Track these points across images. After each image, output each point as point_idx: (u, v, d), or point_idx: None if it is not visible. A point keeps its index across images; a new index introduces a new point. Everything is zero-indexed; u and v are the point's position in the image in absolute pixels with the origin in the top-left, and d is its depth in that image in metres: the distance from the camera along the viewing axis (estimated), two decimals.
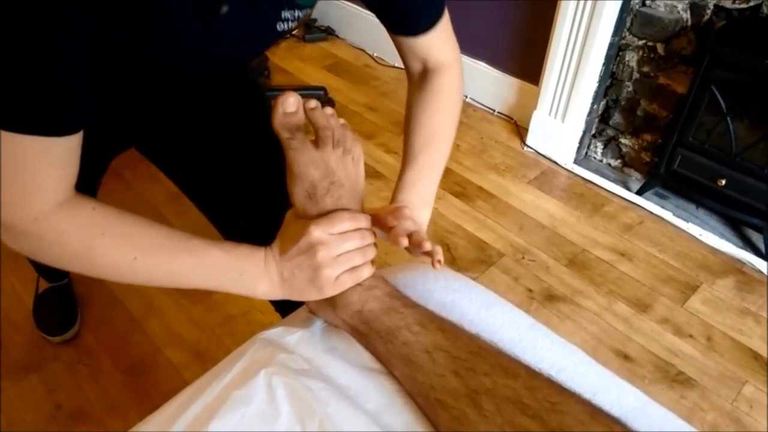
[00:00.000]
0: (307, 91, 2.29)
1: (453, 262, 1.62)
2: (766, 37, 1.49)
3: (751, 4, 1.51)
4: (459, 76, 0.83)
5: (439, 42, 0.79)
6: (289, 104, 0.62)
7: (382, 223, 0.67)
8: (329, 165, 0.63)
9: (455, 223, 1.75)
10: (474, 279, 0.73)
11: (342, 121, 0.66)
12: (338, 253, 0.61)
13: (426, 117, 0.79)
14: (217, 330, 1.40)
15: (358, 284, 0.63)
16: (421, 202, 0.74)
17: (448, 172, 1.94)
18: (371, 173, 1.92)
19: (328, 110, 0.65)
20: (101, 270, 0.60)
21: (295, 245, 0.61)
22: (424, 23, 0.77)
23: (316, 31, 2.69)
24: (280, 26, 0.69)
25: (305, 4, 0.67)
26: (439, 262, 0.61)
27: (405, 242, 0.63)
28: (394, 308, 0.61)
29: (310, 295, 0.63)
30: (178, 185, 0.96)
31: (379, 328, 0.60)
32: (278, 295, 0.64)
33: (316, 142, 0.64)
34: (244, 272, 0.62)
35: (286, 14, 0.67)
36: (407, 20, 0.77)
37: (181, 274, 0.61)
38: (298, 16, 0.69)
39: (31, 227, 0.56)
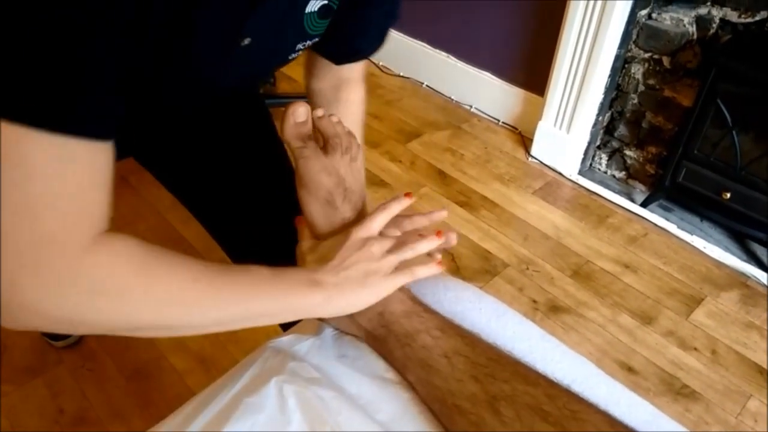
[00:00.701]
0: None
1: (457, 271, 1.62)
2: None
3: (757, 18, 1.52)
4: (364, 89, 0.88)
5: (360, 62, 0.84)
6: (300, 114, 0.63)
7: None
8: (339, 172, 0.64)
9: (459, 232, 1.75)
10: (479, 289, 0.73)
11: (347, 128, 0.68)
12: (388, 248, 0.60)
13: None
14: (221, 337, 1.40)
15: None
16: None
17: (452, 181, 1.95)
18: (376, 181, 1.92)
19: (335, 118, 0.67)
20: (161, 303, 0.50)
21: (339, 250, 0.59)
22: (368, 52, 0.82)
23: None
24: (292, 56, 0.71)
25: (315, 33, 0.68)
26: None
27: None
28: (415, 312, 0.61)
29: (363, 299, 0.59)
30: (177, 197, 0.95)
31: (397, 331, 0.60)
32: (335, 305, 0.58)
33: (325, 150, 0.65)
34: (296, 283, 0.57)
35: (299, 45, 0.69)
36: (356, 51, 0.82)
37: (244, 295, 0.55)
38: (308, 45, 0.70)
39: (84, 262, 0.46)
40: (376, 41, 0.81)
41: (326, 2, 0.64)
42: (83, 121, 0.44)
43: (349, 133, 0.67)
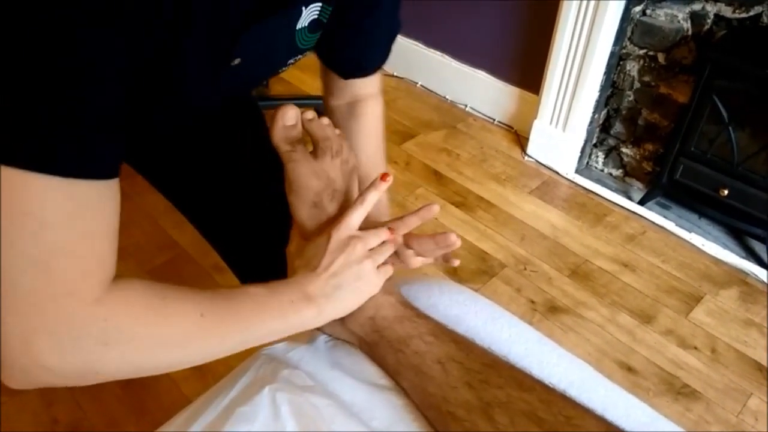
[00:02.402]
0: (306, 101, 2.28)
1: (454, 273, 1.61)
2: (766, 46, 1.49)
3: (752, 13, 1.51)
4: (382, 103, 0.86)
5: (374, 77, 0.82)
6: (290, 117, 0.63)
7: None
8: (330, 175, 0.64)
9: (456, 233, 1.74)
10: (476, 290, 0.72)
11: (338, 131, 0.67)
12: (372, 246, 0.61)
13: (362, 142, 0.81)
14: None
15: None
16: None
17: (448, 182, 1.94)
18: None
19: (325, 120, 0.66)
20: (172, 345, 0.51)
21: (323, 254, 0.58)
22: (377, 63, 0.80)
23: None
24: (282, 69, 0.71)
25: (306, 47, 0.68)
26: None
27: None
28: (407, 317, 0.60)
29: (359, 298, 0.60)
30: (171, 200, 0.95)
31: (390, 336, 0.59)
32: (325, 316, 0.59)
33: (315, 153, 0.64)
34: (295, 300, 0.57)
35: (290, 60, 0.68)
36: (364, 63, 0.80)
37: (247, 323, 0.55)
38: (299, 58, 0.70)
39: (98, 313, 0.45)
40: (380, 55, 0.79)
41: (316, 17, 0.64)
42: (89, 162, 0.43)
43: (340, 136, 0.67)
